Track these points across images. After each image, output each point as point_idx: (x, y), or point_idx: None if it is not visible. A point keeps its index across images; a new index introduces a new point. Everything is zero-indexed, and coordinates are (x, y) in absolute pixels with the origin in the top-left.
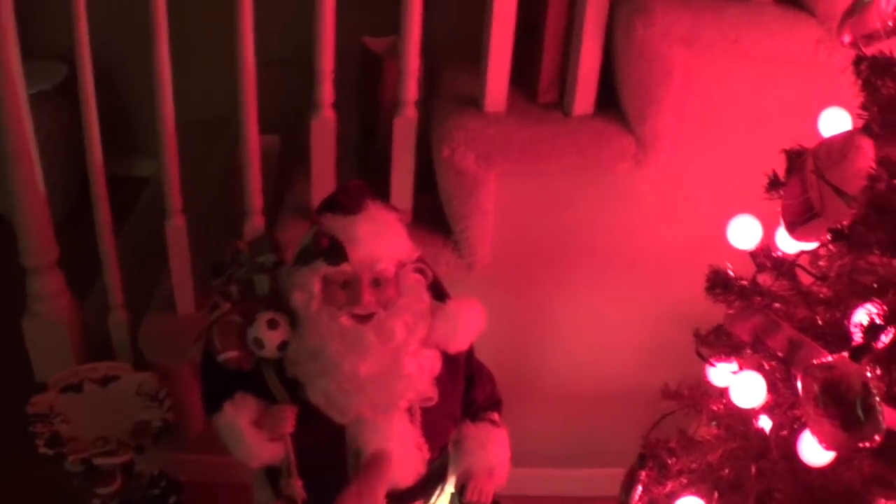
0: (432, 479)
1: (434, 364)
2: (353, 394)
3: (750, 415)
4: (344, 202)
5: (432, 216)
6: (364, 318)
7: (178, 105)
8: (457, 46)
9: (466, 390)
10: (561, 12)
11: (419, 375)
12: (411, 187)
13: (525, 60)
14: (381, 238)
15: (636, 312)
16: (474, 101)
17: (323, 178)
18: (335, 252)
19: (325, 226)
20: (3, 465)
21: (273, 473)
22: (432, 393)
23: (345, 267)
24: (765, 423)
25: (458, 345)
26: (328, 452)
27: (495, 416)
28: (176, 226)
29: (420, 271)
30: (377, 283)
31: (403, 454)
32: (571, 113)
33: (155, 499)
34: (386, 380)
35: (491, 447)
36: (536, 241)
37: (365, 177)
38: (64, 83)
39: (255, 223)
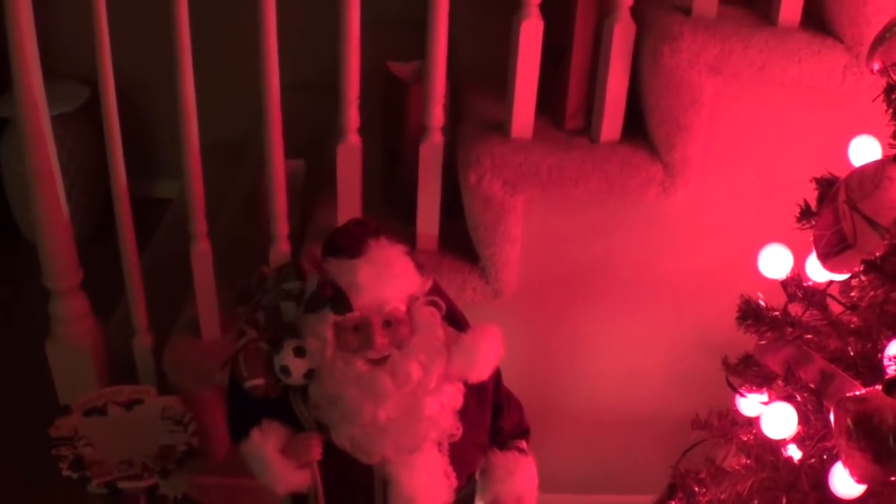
0: None
1: (456, 398)
2: (377, 438)
3: (779, 445)
4: (344, 245)
5: (459, 242)
6: (379, 362)
7: (201, 127)
8: (482, 71)
9: (494, 418)
10: (587, 38)
11: (441, 414)
12: (437, 213)
13: (551, 86)
14: (385, 280)
15: (663, 339)
16: (500, 127)
17: (348, 204)
18: (339, 302)
19: (328, 272)
20: (26, 488)
21: (300, 500)
22: (456, 429)
23: (352, 314)
24: (794, 452)
25: (478, 375)
26: (355, 481)
27: (523, 444)
28: (201, 250)
29: (433, 304)
30: (388, 323)
31: (431, 483)
32: (598, 139)
33: None
34: (408, 422)
35: (519, 475)
36: (564, 268)
37: (390, 202)
38: (87, 105)
39: (281, 249)
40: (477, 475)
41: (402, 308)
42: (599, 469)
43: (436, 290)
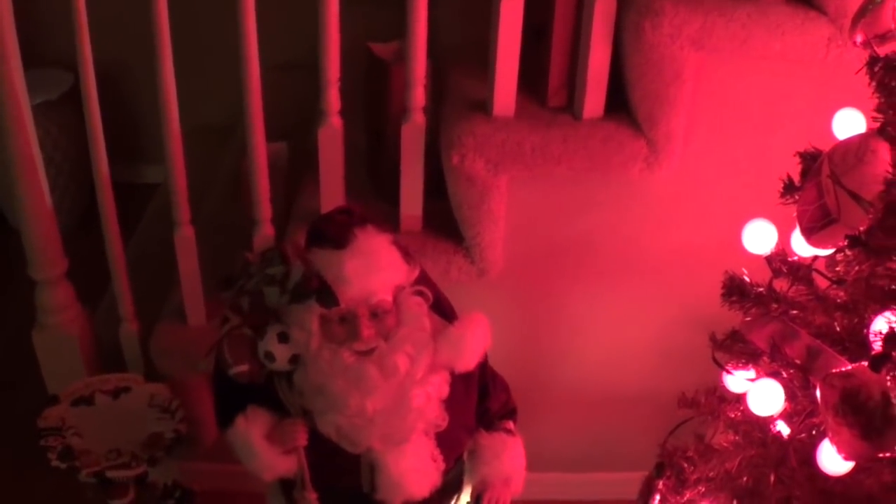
0: (448, 490)
1: (442, 388)
2: (363, 428)
3: (767, 421)
4: (330, 234)
5: (444, 222)
6: (365, 353)
7: (183, 110)
8: (464, 50)
9: (481, 399)
10: (568, 14)
11: (427, 404)
12: (421, 194)
13: (533, 64)
14: (372, 272)
15: (650, 316)
16: (482, 106)
17: (331, 187)
18: (326, 295)
19: (313, 263)
20: (15, 478)
21: (287, 485)
22: (442, 419)
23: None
24: (782, 427)
25: (465, 365)
26: (342, 466)
27: (510, 424)
28: (185, 236)
29: (420, 293)
30: (375, 314)
31: (418, 467)
32: (581, 116)
33: None
34: (395, 413)
35: (506, 456)
36: (549, 246)
37: (375, 182)
38: (70, 92)
39: (265, 232)
40: (465, 457)
41: (389, 299)
42: (588, 447)
43: (423, 278)
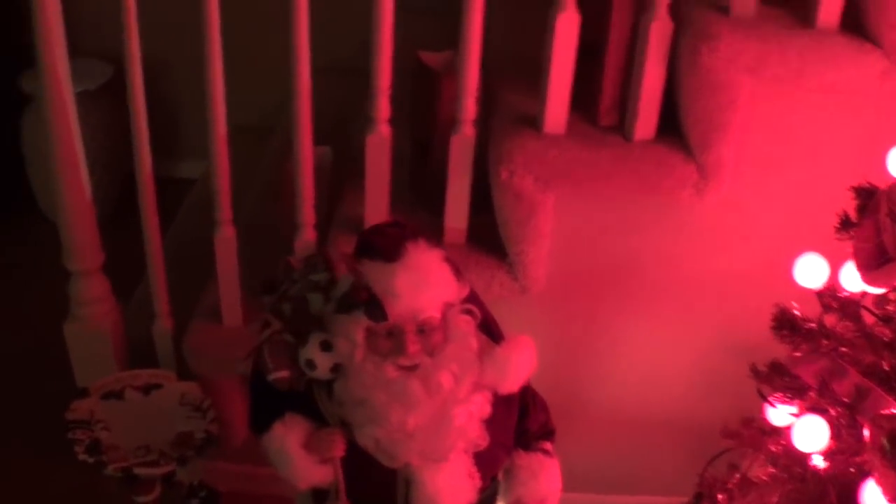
0: None
1: (484, 408)
2: (403, 443)
3: (807, 456)
4: (381, 246)
5: (487, 236)
6: (410, 368)
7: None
8: (513, 61)
9: (520, 419)
10: (623, 34)
11: (469, 423)
12: (467, 207)
13: (585, 81)
14: (422, 289)
15: (690, 341)
16: (532, 122)
17: (377, 196)
18: (374, 309)
19: (363, 274)
20: (43, 471)
21: (320, 495)
22: (482, 439)
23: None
24: (818, 461)
25: (509, 387)
26: (378, 478)
27: (548, 445)
28: (225, 237)
29: (468, 312)
30: (422, 330)
31: (455, 483)
32: (632, 137)
33: None
34: (436, 430)
35: (543, 477)
36: (593, 267)
37: (418, 192)
38: (109, 83)
39: (307, 237)
40: (500, 476)
41: (437, 316)
42: (621, 469)
43: (472, 297)
